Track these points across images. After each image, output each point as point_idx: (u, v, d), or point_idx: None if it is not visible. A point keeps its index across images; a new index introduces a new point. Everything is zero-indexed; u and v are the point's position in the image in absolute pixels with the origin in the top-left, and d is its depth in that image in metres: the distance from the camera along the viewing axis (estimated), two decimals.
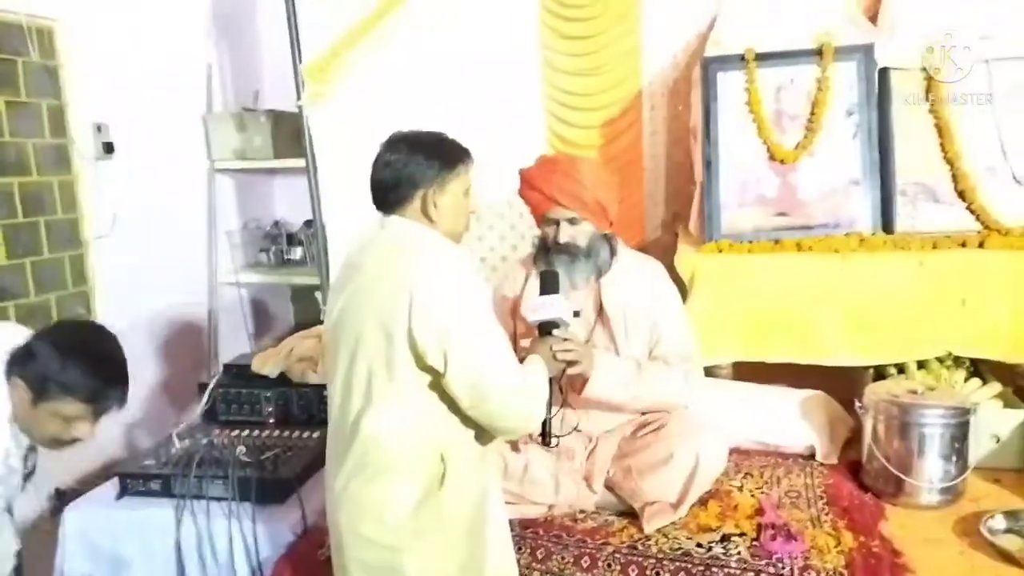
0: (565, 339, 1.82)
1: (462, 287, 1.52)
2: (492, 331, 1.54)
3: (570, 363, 1.83)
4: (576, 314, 2.16)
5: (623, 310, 2.11)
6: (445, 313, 1.46)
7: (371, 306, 1.50)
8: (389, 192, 1.58)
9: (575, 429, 2.05)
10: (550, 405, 1.73)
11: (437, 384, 1.51)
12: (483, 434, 1.61)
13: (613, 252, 2.14)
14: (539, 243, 2.17)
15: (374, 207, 1.63)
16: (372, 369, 1.51)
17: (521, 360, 1.67)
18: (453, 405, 1.54)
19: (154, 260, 3.07)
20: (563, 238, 2.07)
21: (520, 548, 1.84)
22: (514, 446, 2.06)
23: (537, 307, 1.80)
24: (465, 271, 1.56)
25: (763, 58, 2.58)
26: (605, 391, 1.97)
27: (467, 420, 1.56)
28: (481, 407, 1.52)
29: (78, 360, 1.55)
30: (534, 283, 2.18)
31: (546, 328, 1.79)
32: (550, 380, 1.71)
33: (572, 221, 2.07)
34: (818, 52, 2.55)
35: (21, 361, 1.56)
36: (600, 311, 2.13)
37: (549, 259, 2.10)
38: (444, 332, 1.45)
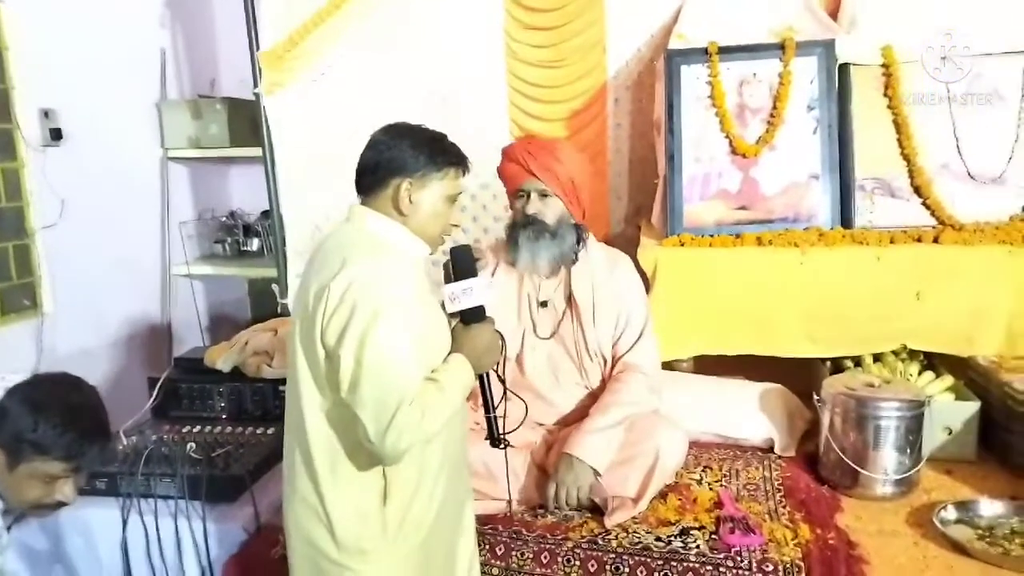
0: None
1: (379, 306, 1.36)
2: (390, 358, 1.37)
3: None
4: (543, 304, 2.16)
5: (592, 299, 2.15)
6: (345, 326, 1.36)
7: (303, 305, 1.44)
8: (367, 174, 1.52)
9: (521, 424, 1.82)
10: (492, 403, 1.63)
11: None
12: (433, 444, 1.49)
13: (580, 241, 2.15)
14: (509, 223, 2.17)
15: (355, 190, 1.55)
16: (303, 371, 1.45)
17: None
18: None
19: (104, 251, 2.98)
20: (531, 209, 2.08)
21: (479, 545, 1.81)
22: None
23: (456, 294, 1.54)
24: (392, 290, 1.40)
25: (726, 51, 2.58)
26: (603, 461, 1.99)
27: None
28: (359, 431, 1.39)
29: (51, 416, 1.42)
30: (501, 272, 2.17)
31: (471, 317, 1.56)
32: (484, 376, 1.59)
33: (543, 195, 2.08)
34: (780, 46, 2.55)
35: None
36: (570, 300, 2.16)
37: (515, 235, 2.11)
38: (340, 345, 1.37)
